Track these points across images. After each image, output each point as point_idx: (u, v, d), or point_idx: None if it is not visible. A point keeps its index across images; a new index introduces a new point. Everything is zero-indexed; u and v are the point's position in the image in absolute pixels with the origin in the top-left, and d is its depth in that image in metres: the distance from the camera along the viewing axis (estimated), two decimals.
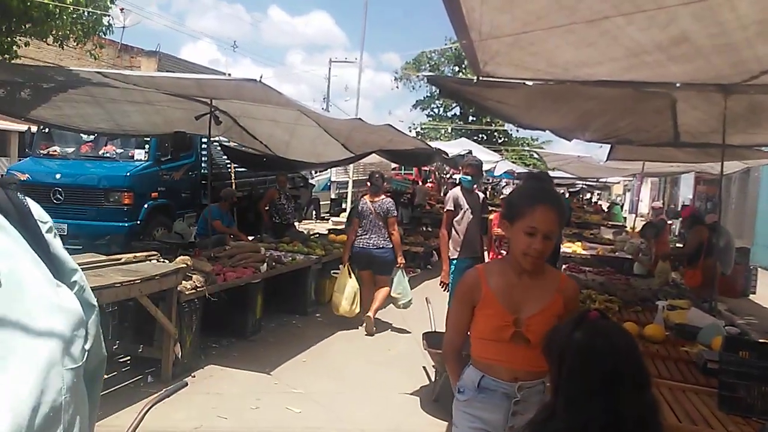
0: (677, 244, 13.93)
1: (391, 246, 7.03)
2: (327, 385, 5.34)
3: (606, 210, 21.90)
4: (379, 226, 7.00)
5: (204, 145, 10.34)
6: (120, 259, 5.18)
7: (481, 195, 6.71)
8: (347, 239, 7.37)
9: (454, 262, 5.97)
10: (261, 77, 4.79)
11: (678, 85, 4.07)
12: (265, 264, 6.67)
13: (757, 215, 17.58)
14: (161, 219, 9.79)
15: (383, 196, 7.22)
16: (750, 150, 6.59)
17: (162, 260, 5.50)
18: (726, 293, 10.17)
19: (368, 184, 7.35)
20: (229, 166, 11.45)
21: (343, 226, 12.28)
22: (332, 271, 8.03)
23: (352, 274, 7.16)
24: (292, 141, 8.17)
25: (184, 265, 5.29)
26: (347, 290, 7.04)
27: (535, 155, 37.44)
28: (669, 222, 15.12)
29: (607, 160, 9.06)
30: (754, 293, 11.72)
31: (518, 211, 2.25)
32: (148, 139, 9.50)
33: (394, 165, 23.66)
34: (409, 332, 7.02)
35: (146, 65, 21.69)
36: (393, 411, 4.93)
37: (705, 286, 7.64)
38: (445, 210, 6.27)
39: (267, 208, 10.11)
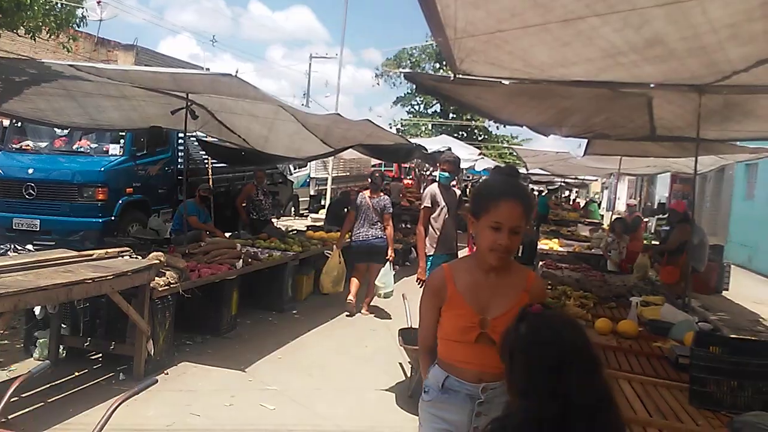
0: (653, 242, 14.14)
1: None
2: (303, 382, 5.30)
3: (583, 207, 22.14)
4: (375, 220, 7.52)
5: (180, 140, 10.21)
6: (92, 255, 5.09)
7: (458, 191, 6.72)
8: (344, 227, 7.94)
9: (431, 258, 5.96)
10: (237, 72, 4.76)
11: (652, 85, 4.10)
12: (241, 260, 6.61)
13: (731, 213, 17.90)
14: (136, 215, 9.66)
15: (381, 194, 7.77)
16: (724, 144, 6.67)
17: (135, 256, 5.42)
18: (699, 290, 10.31)
19: (369, 180, 8.03)
20: (206, 161, 11.33)
21: (322, 223, 12.24)
22: (325, 251, 8.44)
23: (342, 259, 7.71)
24: (270, 135, 8.10)
25: (157, 262, 5.21)
26: (336, 273, 7.71)
27: (515, 153, 37.76)
28: (645, 219, 15.33)
29: (584, 155, 9.13)
30: (727, 290, 11.91)
31: (483, 206, 2.20)
32: (123, 133, 9.36)
33: (374, 161, 23.67)
34: (386, 329, 7.01)
35: (123, 59, 21.39)
36: (369, 407, 4.91)
37: (681, 282, 7.75)
38: (422, 207, 6.26)
39: (244, 204, 10.03)
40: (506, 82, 3.88)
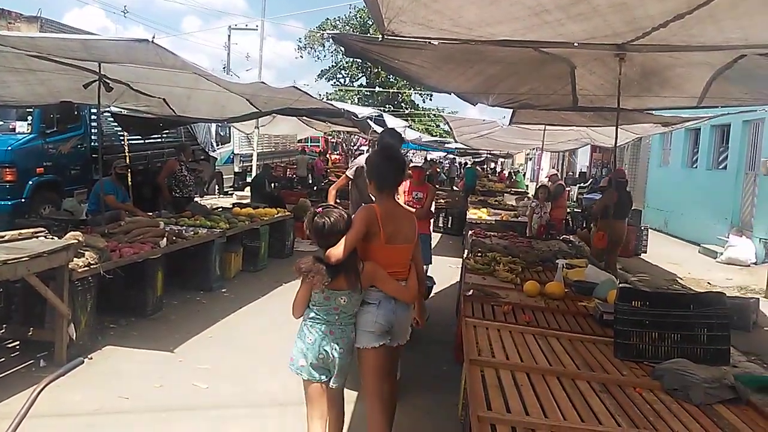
0: (575, 209, 14.69)
1: None
2: (236, 360, 5.20)
3: (508, 178, 22.71)
4: None
5: (94, 116, 9.70)
6: (3, 236, 4.76)
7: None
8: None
9: None
10: (153, 37, 4.49)
11: (576, 44, 4.18)
12: (165, 239, 6.37)
13: (647, 180, 18.79)
14: (49, 196, 9.17)
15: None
16: (641, 114, 6.94)
17: (50, 237, 5.11)
18: (620, 253, 10.80)
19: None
20: (122, 137, 10.82)
21: (248, 200, 11.96)
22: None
23: None
24: (193, 95, 7.74)
25: (75, 241, 4.94)
26: None
27: (443, 126, 38.15)
28: (567, 188, 15.88)
29: (510, 124, 9.31)
30: (645, 252, 12.56)
31: (383, 185, 3.24)
32: (31, 110, 8.80)
33: (300, 136, 23.33)
34: None
35: (26, 31, 20.01)
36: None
37: (612, 246, 8.10)
38: (345, 174, 6.23)
39: (166, 180, 9.64)
40: (435, 42, 3.86)
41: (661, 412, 2.60)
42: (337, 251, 2.94)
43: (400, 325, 3.26)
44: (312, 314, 3.14)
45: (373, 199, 3.31)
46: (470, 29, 3.74)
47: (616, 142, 5.94)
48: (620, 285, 4.73)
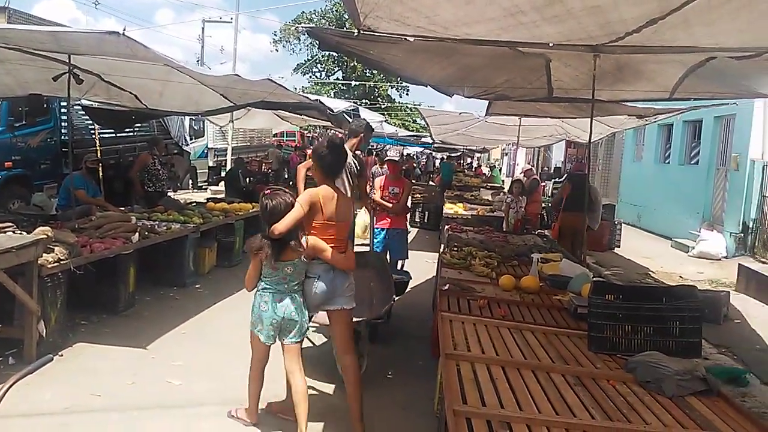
0: (549, 204, 14.83)
1: None
2: (211, 356, 5.14)
3: (487, 174, 22.84)
4: None
5: (63, 109, 9.50)
6: None
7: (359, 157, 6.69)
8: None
9: None
10: (124, 29, 4.41)
11: (551, 44, 4.20)
12: (137, 234, 6.26)
13: (621, 174, 19.02)
14: (17, 190, 8.97)
15: None
16: (616, 105, 7.00)
17: (18, 232, 4.99)
18: (593, 247, 10.96)
19: None
20: (92, 130, 10.61)
21: (223, 195, 11.82)
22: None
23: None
24: (165, 91, 7.62)
25: (44, 236, 4.83)
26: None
27: (419, 122, 38.18)
28: (542, 183, 16.00)
29: (486, 115, 9.34)
30: (618, 247, 12.72)
31: (328, 173, 3.81)
32: None
33: (275, 130, 23.15)
34: None
35: None
36: (281, 374, 4.84)
37: (563, 237, 8.21)
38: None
39: (139, 174, 9.47)
40: (411, 39, 3.85)
41: (634, 405, 2.64)
42: (280, 225, 3.48)
43: (342, 292, 3.77)
44: (263, 285, 3.66)
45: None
46: (446, 28, 3.73)
47: (591, 134, 5.96)
48: (594, 279, 4.79)
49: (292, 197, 3.63)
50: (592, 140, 6.40)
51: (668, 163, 15.90)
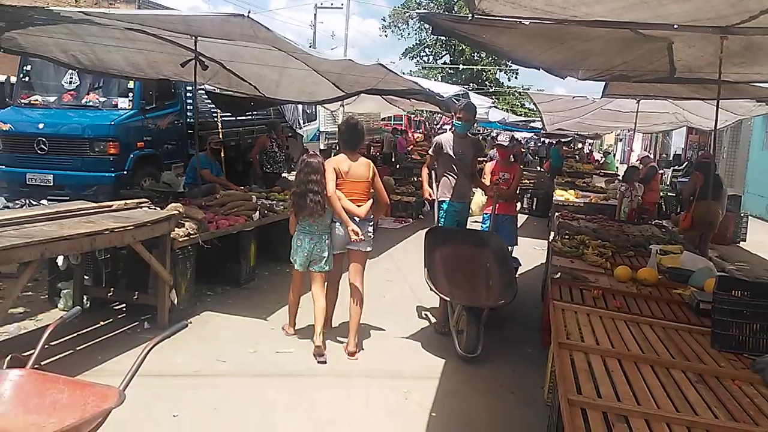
0: (668, 193, 14.05)
1: None
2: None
3: (600, 161, 21.91)
4: None
5: (189, 93, 10.11)
6: (111, 206, 5.12)
7: (475, 139, 6.69)
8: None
9: (444, 205, 5.89)
10: (249, 12, 4.62)
11: (676, 26, 3.96)
12: (258, 212, 6.62)
13: (748, 164, 17.64)
14: (148, 169, 9.62)
15: None
16: (745, 86, 6.46)
17: (153, 208, 5.43)
18: (717, 240, 10.27)
19: None
20: (215, 114, 11.23)
21: None
22: None
23: None
24: (281, 80, 7.92)
25: (176, 212, 5.23)
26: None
27: (528, 105, 37.25)
28: (660, 171, 15.18)
29: (602, 97, 8.94)
30: (744, 240, 11.85)
31: (347, 145, 5.06)
32: (132, 87, 9.27)
33: (384, 114, 23.42)
34: (403, 280, 7.15)
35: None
36: (395, 351, 5.02)
37: (693, 229, 7.76)
38: (428, 153, 6.24)
39: (258, 156, 9.96)
40: (526, 22, 3.75)
41: (761, 407, 2.50)
42: (330, 187, 4.77)
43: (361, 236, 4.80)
44: (299, 228, 4.96)
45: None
46: (564, 8, 3.58)
47: (716, 119, 5.55)
48: (719, 273, 4.54)
49: (321, 162, 4.89)
50: (717, 127, 5.97)
51: None
